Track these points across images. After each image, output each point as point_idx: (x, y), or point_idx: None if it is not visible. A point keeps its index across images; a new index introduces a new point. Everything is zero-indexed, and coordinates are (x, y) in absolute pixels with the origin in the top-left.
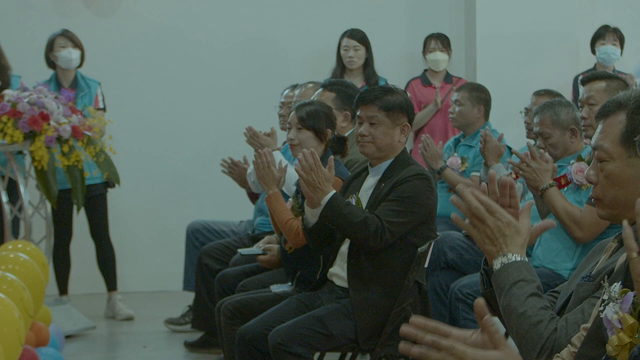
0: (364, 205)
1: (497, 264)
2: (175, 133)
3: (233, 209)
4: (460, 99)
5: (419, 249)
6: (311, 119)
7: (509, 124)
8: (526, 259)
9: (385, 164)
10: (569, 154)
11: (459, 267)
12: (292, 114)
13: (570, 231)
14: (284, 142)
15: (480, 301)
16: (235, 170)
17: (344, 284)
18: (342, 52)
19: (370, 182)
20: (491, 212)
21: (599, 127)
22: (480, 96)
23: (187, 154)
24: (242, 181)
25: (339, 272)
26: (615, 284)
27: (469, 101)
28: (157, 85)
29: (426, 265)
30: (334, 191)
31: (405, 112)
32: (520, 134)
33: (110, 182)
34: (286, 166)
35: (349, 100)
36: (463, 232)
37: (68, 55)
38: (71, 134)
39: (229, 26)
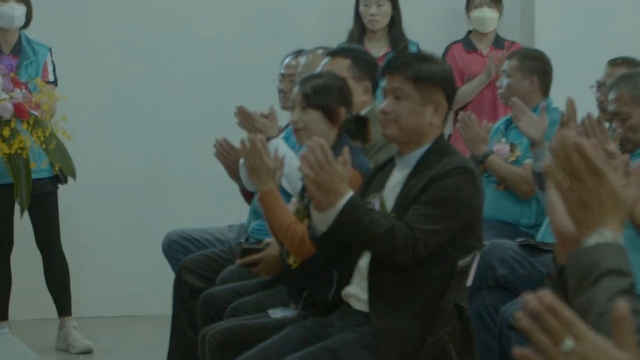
0: (390, 207)
1: (591, 240)
2: (147, 114)
3: (222, 210)
4: (509, 69)
5: (459, 263)
6: (319, 95)
7: (577, 101)
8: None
9: (417, 154)
10: None
11: (511, 285)
12: (295, 89)
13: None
14: (287, 125)
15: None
16: (230, 156)
17: (364, 308)
18: (361, 8)
19: (397, 177)
20: (593, 171)
21: None
22: (534, 65)
23: (163, 140)
24: (235, 171)
25: (357, 292)
26: None
27: (519, 72)
28: (124, 51)
29: (469, 283)
30: (351, 193)
31: (441, 86)
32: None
33: (62, 176)
34: (283, 157)
35: (369, 67)
36: (517, 240)
37: (10, 11)
38: (13, 114)
39: None
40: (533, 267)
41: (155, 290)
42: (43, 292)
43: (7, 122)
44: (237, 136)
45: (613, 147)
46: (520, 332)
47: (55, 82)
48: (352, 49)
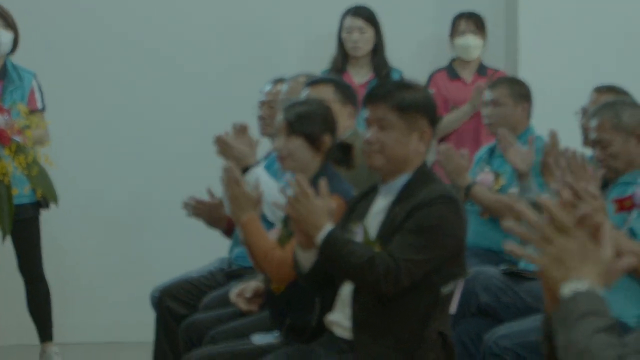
0: (373, 235)
1: (567, 291)
2: (132, 141)
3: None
4: (499, 97)
5: (443, 290)
6: (303, 122)
7: (561, 129)
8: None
9: (401, 181)
10: (635, 167)
11: (495, 313)
12: (279, 116)
13: None
14: (268, 153)
15: None
16: (202, 209)
17: (347, 335)
18: (344, 34)
19: (381, 204)
20: (561, 229)
21: None
22: (522, 92)
23: (150, 170)
24: (213, 219)
25: (340, 319)
26: None
27: (510, 99)
28: (109, 79)
29: (453, 311)
30: (331, 226)
31: (424, 113)
32: (574, 141)
33: (44, 202)
34: (261, 189)
35: (349, 91)
36: (502, 268)
37: None
38: None
39: (201, 7)
40: (516, 295)
41: (138, 317)
42: (26, 318)
43: None
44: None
45: (594, 188)
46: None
47: (43, 109)
48: (331, 77)
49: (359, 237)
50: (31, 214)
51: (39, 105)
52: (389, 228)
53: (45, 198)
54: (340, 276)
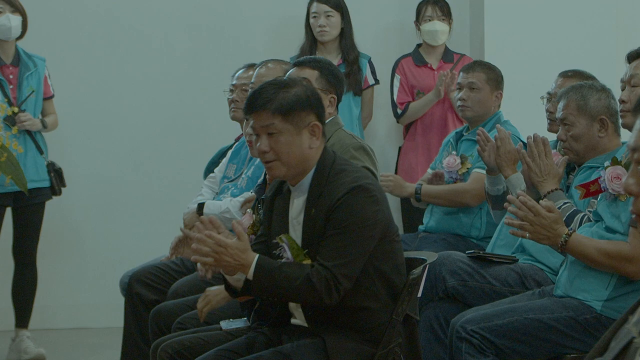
0: (300, 242)
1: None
2: (106, 127)
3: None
4: (477, 81)
5: (410, 274)
6: None
7: (526, 114)
8: None
9: (308, 179)
10: (597, 153)
11: (461, 297)
12: None
13: (618, 270)
14: (238, 137)
15: None
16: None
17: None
18: (311, 20)
19: (297, 205)
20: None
21: (638, 122)
22: (498, 79)
23: (121, 152)
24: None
25: (299, 312)
26: None
27: (487, 85)
28: (112, 68)
29: (420, 294)
30: (257, 257)
31: (309, 108)
32: (540, 127)
33: (58, 187)
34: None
35: (335, 80)
36: (467, 252)
37: (6, 21)
38: None
39: None
40: (483, 279)
41: (107, 302)
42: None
43: None
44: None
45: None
46: (470, 344)
47: (54, 95)
48: (320, 61)
49: (287, 256)
50: (44, 198)
51: (51, 91)
52: (312, 235)
53: (57, 183)
54: (282, 301)
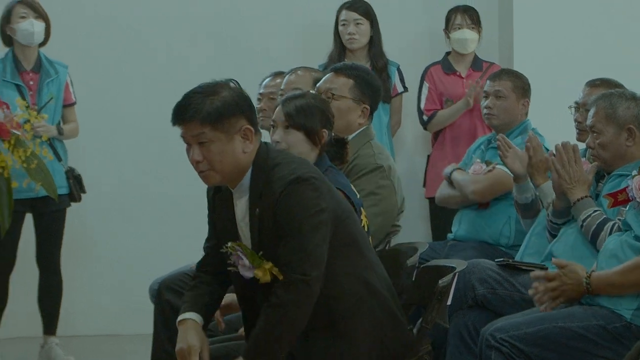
0: (249, 244)
1: None
2: (125, 133)
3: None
4: (503, 89)
5: (440, 282)
6: (302, 115)
7: (554, 123)
8: None
9: (247, 180)
10: (625, 161)
11: (491, 305)
12: (277, 108)
13: None
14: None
15: None
16: None
17: None
18: (340, 28)
19: (241, 207)
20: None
21: None
22: (525, 87)
23: (142, 157)
24: None
25: None
26: None
27: (513, 93)
28: (135, 73)
29: (449, 302)
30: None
31: (238, 113)
32: (568, 135)
33: (77, 193)
34: None
35: (370, 90)
36: (496, 260)
37: (29, 27)
38: None
39: None
40: (513, 287)
41: (134, 308)
42: (24, 311)
43: None
44: None
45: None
46: (499, 352)
47: (75, 102)
48: (358, 69)
49: (243, 258)
50: (63, 205)
51: (73, 98)
52: (261, 235)
53: (76, 189)
54: (292, 337)
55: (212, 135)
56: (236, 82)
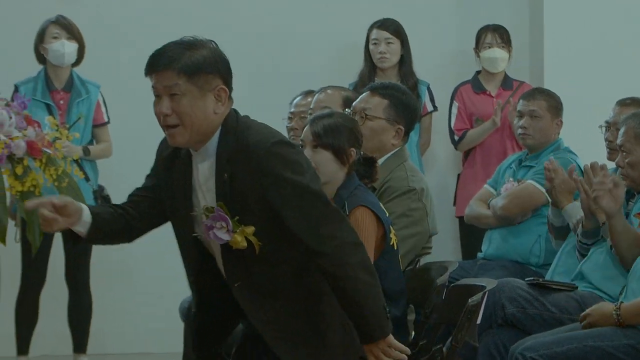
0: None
1: None
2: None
3: None
4: (538, 109)
5: (469, 301)
6: (330, 135)
7: (585, 142)
8: None
9: (213, 143)
10: None
11: (520, 324)
12: (305, 128)
13: None
14: None
15: None
16: None
17: None
18: (371, 46)
19: (203, 170)
20: None
21: None
22: (558, 106)
23: None
24: None
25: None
26: None
27: (548, 113)
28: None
29: (479, 321)
30: None
31: (215, 71)
32: (599, 154)
33: None
34: None
35: (405, 111)
36: (526, 279)
37: (60, 47)
38: (26, 152)
39: (233, 18)
40: (543, 306)
41: (164, 327)
42: (54, 329)
43: (20, 160)
44: None
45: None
46: None
47: (108, 121)
48: (394, 89)
49: (228, 220)
50: None
51: (105, 118)
52: (230, 201)
53: None
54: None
55: (186, 88)
56: (215, 44)
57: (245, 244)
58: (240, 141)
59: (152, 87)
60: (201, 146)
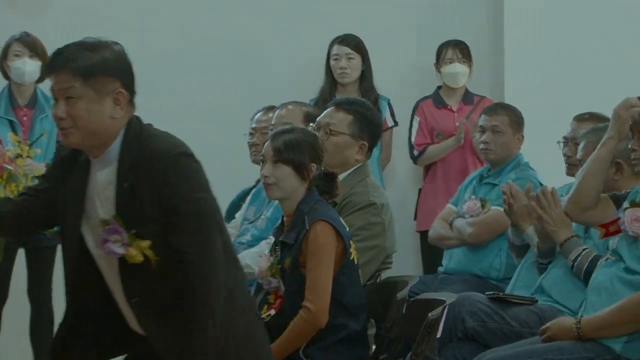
0: (109, 213)
1: None
2: None
3: None
4: (500, 124)
5: (429, 315)
6: (291, 150)
7: (544, 156)
8: None
9: (114, 150)
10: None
11: (481, 338)
12: (266, 143)
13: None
14: (258, 180)
15: None
16: None
17: None
18: (332, 62)
19: (102, 179)
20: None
21: None
22: (519, 121)
23: None
24: None
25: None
26: None
27: (510, 128)
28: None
29: (439, 335)
30: None
31: (115, 75)
32: (558, 170)
33: None
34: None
35: (369, 127)
36: (487, 293)
37: (21, 65)
38: None
39: (191, 28)
40: (503, 320)
41: None
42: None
43: None
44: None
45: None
46: None
47: None
48: (359, 104)
49: (123, 233)
50: (56, 242)
51: None
52: (130, 212)
53: None
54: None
55: (82, 91)
56: (121, 46)
57: (141, 258)
58: (144, 148)
59: (50, 89)
60: (99, 153)
